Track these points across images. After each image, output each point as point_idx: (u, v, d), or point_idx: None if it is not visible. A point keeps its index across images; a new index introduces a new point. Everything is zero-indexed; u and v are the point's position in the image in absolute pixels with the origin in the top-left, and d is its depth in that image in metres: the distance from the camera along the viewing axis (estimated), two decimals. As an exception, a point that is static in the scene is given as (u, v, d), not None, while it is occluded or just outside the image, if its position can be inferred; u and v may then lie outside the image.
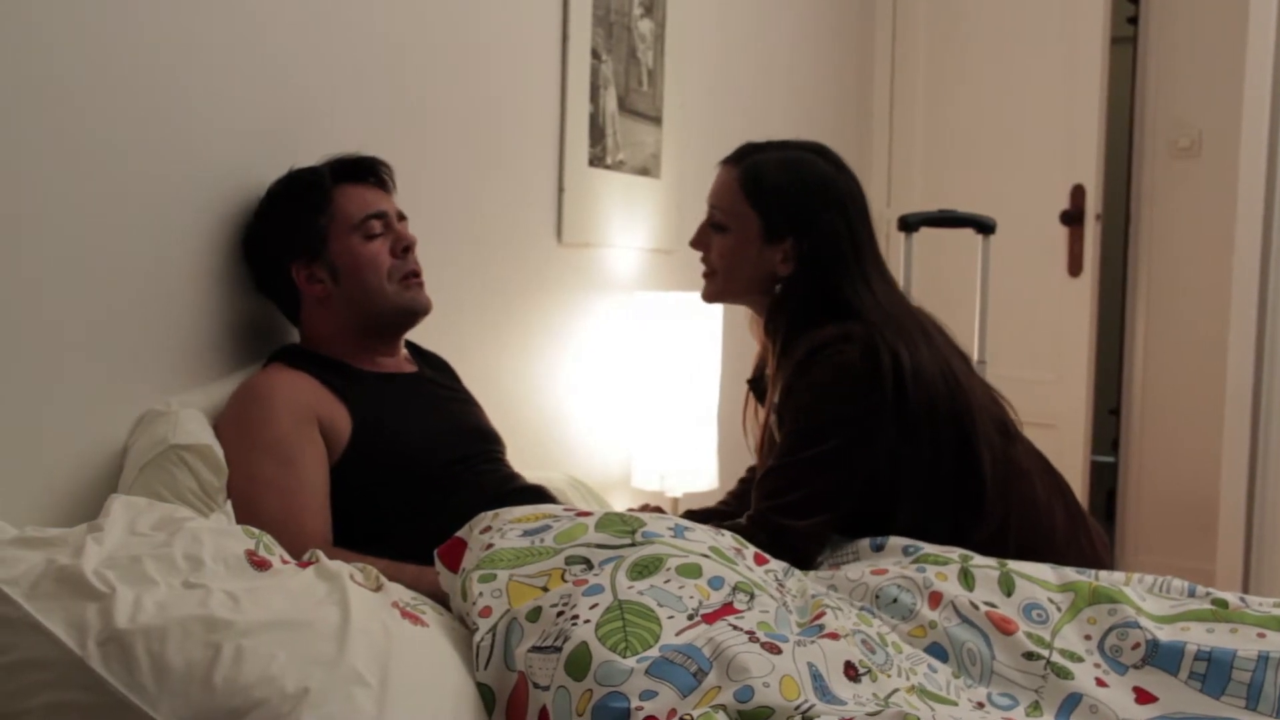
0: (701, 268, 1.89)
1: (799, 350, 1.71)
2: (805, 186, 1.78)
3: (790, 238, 1.76)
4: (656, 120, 2.85)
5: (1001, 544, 1.66)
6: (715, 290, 1.88)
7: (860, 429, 1.66)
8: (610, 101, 2.64)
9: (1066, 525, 1.77)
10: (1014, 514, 1.71)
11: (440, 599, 1.37)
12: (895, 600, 1.40)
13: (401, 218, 1.76)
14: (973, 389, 1.76)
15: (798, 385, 1.69)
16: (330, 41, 1.87)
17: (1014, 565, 1.46)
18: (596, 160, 2.61)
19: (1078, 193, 3.64)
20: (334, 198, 1.69)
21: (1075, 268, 3.65)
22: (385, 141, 1.96)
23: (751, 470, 2.10)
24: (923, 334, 1.75)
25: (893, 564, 1.50)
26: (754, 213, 1.78)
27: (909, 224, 2.78)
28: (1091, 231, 3.62)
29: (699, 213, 3.01)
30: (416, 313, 1.75)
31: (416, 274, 1.73)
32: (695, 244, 1.87)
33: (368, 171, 1.75)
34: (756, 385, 1.94)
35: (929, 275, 3.15)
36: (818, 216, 1.76)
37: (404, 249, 1.72)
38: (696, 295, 2.66)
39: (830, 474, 1.66)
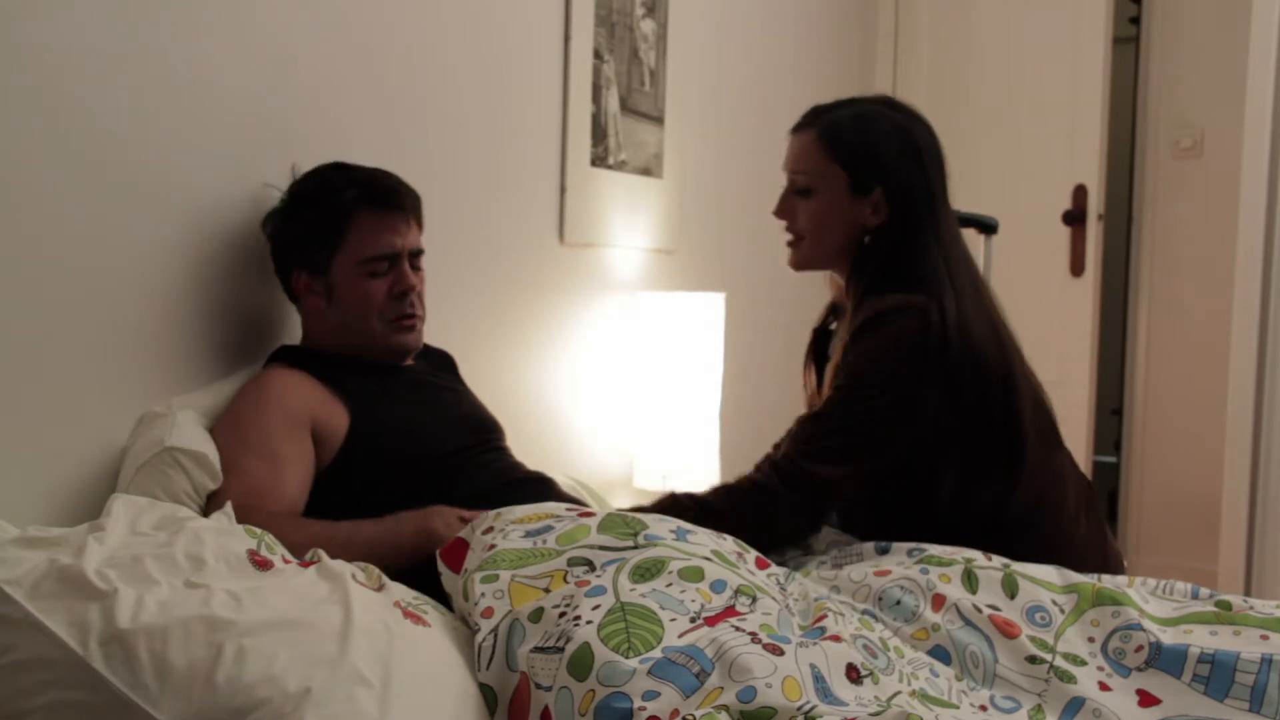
0: (787, 236, 1.88)
1: (860, 315, 1.72)
2: (885, 135, 1.79)
3: (878, 187, 1.77)
4: (659, 120, 2.85)
5: (1027, 532, 1.68)
6: (804, 255, 1.87)
7: (905, 395, 1.67)
8: (612, 101, 2.64)
9: (1086, 539, 1.79)
10: (1046, 511, 1.74)
11: (407, 556, 1.44)
12: (898, 602, 1.40)
13: (416, 254, 1.73)
14: (1020, 361, 1.79)
15: (852, 350, 1.71)
16: (335, 42, 1.87)
17: (1017, 567, 1.46)
18: (599, 160, 2.61)
19: (1080, 193, 3.63)
20: (349, 225, 1.67)
21: (1077, 268, 3.65)
22: (388, 141, 1.97)
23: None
24: (976, 294, 1.76)
25: (896, 565, 1.50)
26: (839, 169, 1.79)
27: (911, 224, 2.77)
28: (1094, 231, 3.62)
29: (702, 212, 3.01)
30: (400, 354, 1.75)
31: (410, 316, 1.71)
32: (780, 213, 1.87)
33: (394, 204, 1.70)
34: (819, 337, 1.96)
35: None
36: (899, 163, 1.78)
37: (401, 292, 1.69)
38: (698, 295, 2.68)
39: (866, 428, 1.67)
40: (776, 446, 2.01)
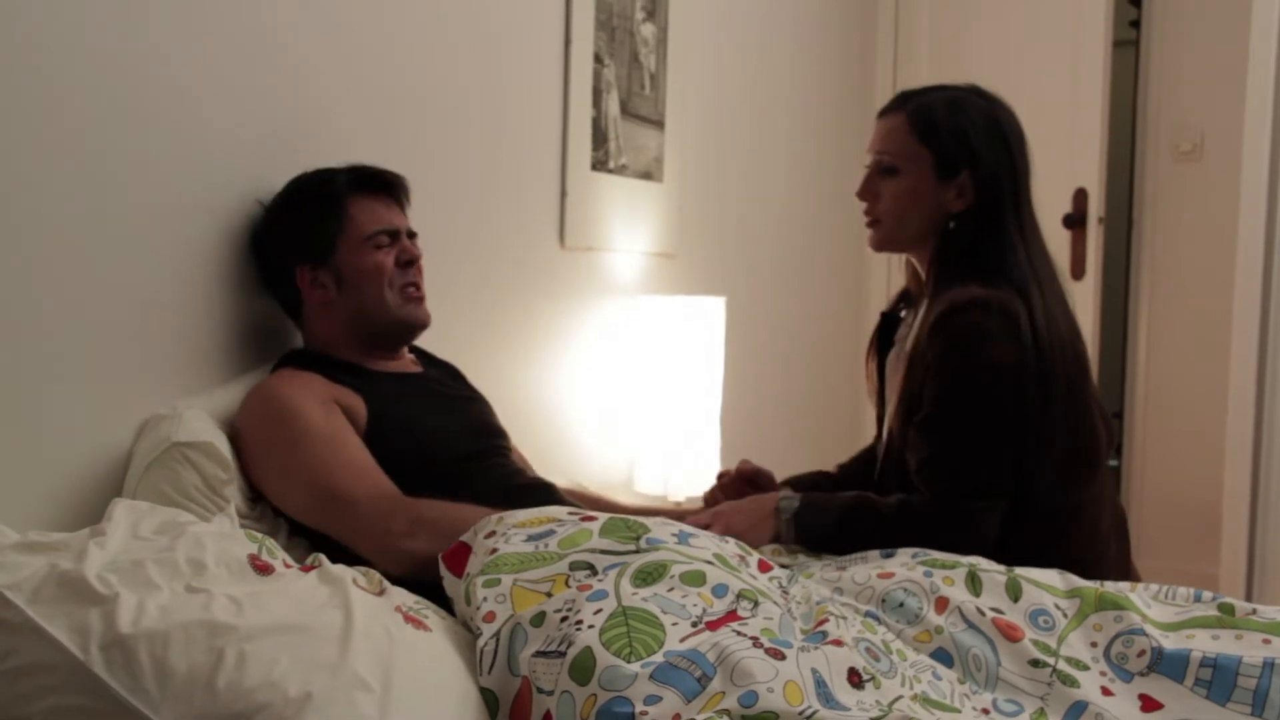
0: (860, 219, 1.89)
1: (936, 307, 1.72)
2: (972, 121, 1.80)
3: (964, 171, 1.78)
4: (659, 124, 2.85)
5: (1058, 541, 1.68)
6: (884, 237, 1.87)
7: (1016, 410, 1.67)
8: (613, 105, 2.64)
9: (1114, 563, 1.79)
10: (1080, 523, 1.74)
11: None
12: (901, 604, 1.39)
13: (411, 235, 1.77)
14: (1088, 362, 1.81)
15: (933, 350, 1.70)
16: (336, 46, 1.87)
17: (1020, 570, 1.46)
18: (599, 164, 2.61)
19: (1080, 196, 3.63)
20: (347, 208, 1.70)
21: (1078, 271, 3.65)
22: (389, 146, 1.97)
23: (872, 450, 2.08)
24: (1055, 287, 1.78)
25: (900, 567, 1.50)
26: (927, 151, 1.80)
27: (912, 228, 2.78)
28: (1094, 235, 3.62)
29: (702, 216, 3.00)
30: (414, 326, 1.77)
31: (417, 286, 1.75)
32: (862, 194, 1.87)
33: (385, 186, 1.75)
34: (886, 323, 1.96)
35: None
36: (987, 148, 1.78)
37: (407, 262, 1.73)
38: (699, 299, 2.67)
39: (998, 450, 1.67)
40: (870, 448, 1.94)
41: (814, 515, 1.72)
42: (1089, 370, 1.78)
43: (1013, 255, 1.75)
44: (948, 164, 1.79)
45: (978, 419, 1.67)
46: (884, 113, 1.87)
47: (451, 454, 1.67)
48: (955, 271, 1.76)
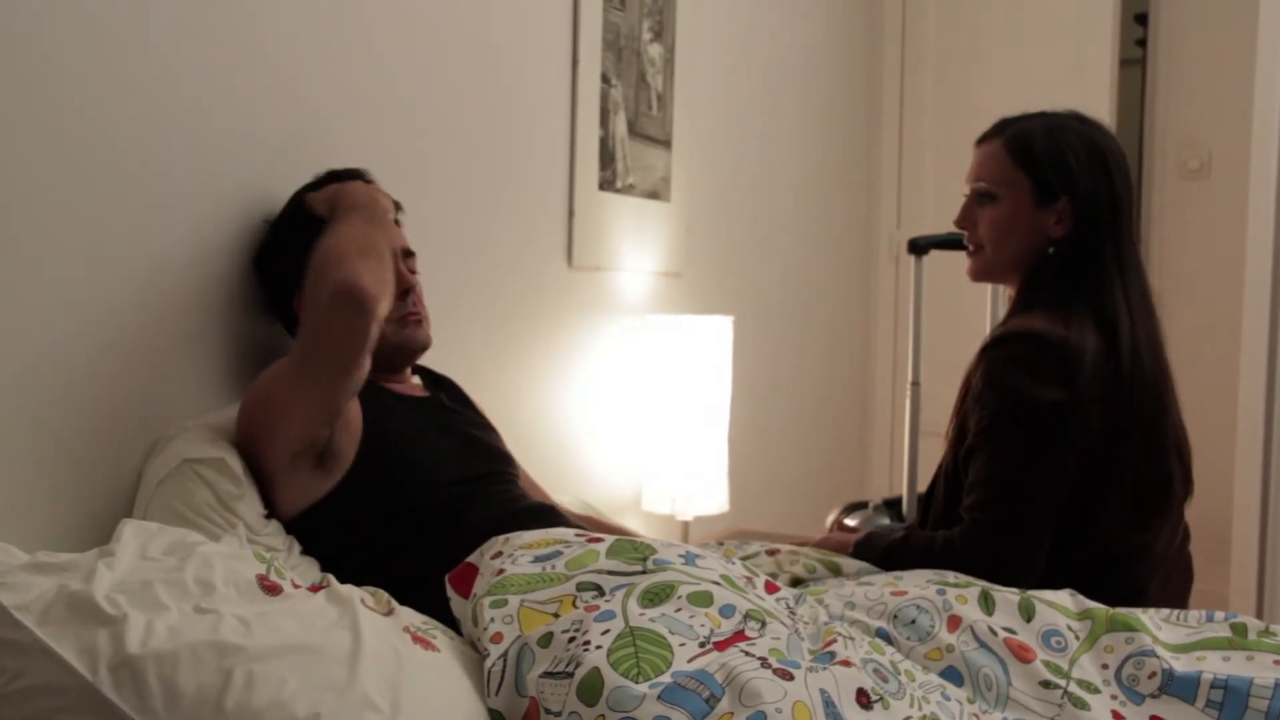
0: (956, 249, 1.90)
1: (998, 329, 1.72)
2: (1072, 146, 1.78)
3: (1064, 197, 1.77)
4: (666, 144, 2.86)
5: (1106, 583, 1.66)
6: (984, 265, 1.86)
7: (1049, 452, 1.65)
8: (620, 125, 2.66)
9: None
10: (1118, 581, 1.72)
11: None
12: (913, 621, 1.39)
13: (408, 254, 1.74)
14: (1174, 401, 1.82)
15: (977, 379, 1.71)
16: (341, 63, 1.88)
17: (1034, 591, 1.46)
18: (606, 184, 2.61)
19: (1087, 214, 3.63)
20: None
21: (1085, 289, 3.65)
22: (395, 164, 1.97)
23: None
24: (1146, 318, 1.76)
25: (913, 584, 1.50)
26: (1025, 177, 1.78)
27: (919, 246, 2.78)
28: (1102, 253, 3.61)
29: (709, 235, 3.01)
30: (413, 350, 1.75)
31: (414, 314, 1.73)
32: (961, 222, 1.87)
33: None
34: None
35: (940, 299, 3.15)
36: (1086, 174, 1.77)
37: (402, 292, 1.70)
38: (706, 318, 2.68)
39: (1029, 486, 1.66)
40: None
41: (863, 556, 1.78)
42: (1171, 410, 1.76)
43: (1107, 285, 1.73)
44: (1046, 190, 1.77)
45: (1009, 454, 1.66)
46: (982, 140, 1.86)
47: (449, 477, 1.66)
48: (1040, 297, 1.76)
